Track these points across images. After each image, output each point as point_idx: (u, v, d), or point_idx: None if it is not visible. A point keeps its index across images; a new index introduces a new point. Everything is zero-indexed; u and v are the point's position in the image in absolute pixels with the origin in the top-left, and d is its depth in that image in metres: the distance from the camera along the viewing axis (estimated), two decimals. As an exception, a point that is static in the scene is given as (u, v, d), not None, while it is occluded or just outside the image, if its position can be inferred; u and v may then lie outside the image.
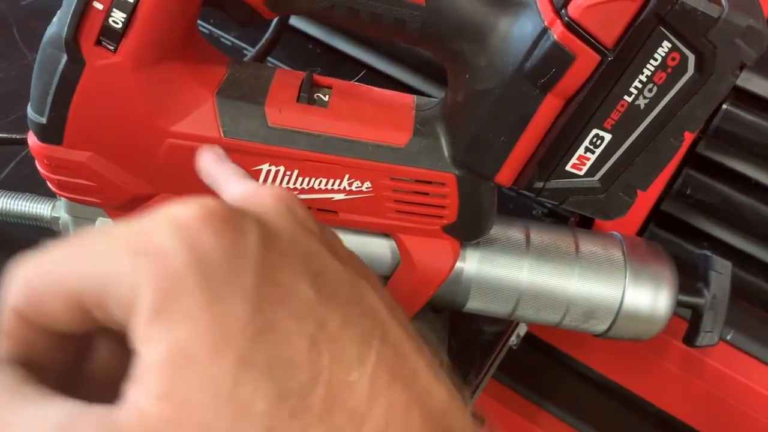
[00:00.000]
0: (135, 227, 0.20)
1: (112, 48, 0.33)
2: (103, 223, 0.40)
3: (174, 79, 0.35)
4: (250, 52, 0.57)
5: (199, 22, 0.71)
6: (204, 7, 0.36)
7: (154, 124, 0.35)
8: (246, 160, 0.37)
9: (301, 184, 0.37)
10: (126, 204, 0.39)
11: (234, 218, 0.20)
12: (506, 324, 0.50)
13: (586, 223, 0.57)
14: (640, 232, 0.56)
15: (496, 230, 0.42)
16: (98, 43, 0.33)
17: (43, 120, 0.35)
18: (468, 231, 0.40)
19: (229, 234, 0.19)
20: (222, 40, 0.69)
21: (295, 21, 0.67)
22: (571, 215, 0.57)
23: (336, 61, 0.66)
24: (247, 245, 0.19)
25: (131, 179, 0.38)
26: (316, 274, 0.20)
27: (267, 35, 0.56)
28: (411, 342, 0.21)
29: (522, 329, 0.54)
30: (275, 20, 0.56)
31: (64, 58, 0.33)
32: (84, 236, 0.20)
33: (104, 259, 0.19)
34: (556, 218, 0.57)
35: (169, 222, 0.19)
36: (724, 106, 0.49)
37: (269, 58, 0.63)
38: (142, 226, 0.19)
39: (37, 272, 0.20)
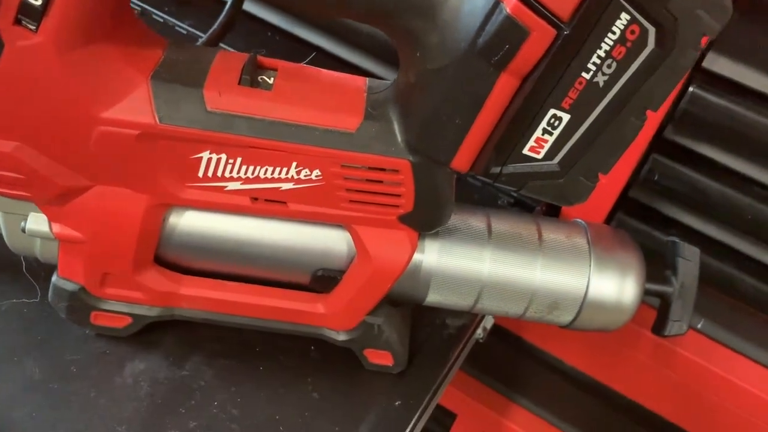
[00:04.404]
0: None
1: (32, 27, 0.30)
2: (35, 218, 0.38)
3: (104, 61, 0.33)
4: (204, 39, 0.55)
5: (153, 10, 0.68)
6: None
7: (84, 111, 0.33)
8: (184, 147, 0.34)
9: (246, 173, 0.35)
10: (59, 197, 0.36)
11: None
12: (470, 317, 0.48)
13: (552, 212, 0.56)
14: (608, 220, 0.54)
15: (456, 219, 0.41)
16: (17, 22, 0.30)
17: (-38, 107, 0.33)
18: (425, 220, 0.38)
19: None
20: (177, 28, 0.67)
21: (251, 6, 0.65)
22: (537, 204, 0.55)
23: (296, 48, 0.64)
24: None
25: (62, 170, 0.35)
26: None
27: (219, 20, 0.54)
28: None
29: (488, 322, 0.53)
30: (228, 4, 0.54)
31: (-19, 39, 0.31)
32: None
33: None
34: (522, 208, 0.56)
35: None
36: (691, 89, 0.47)
37: (225, 46, 0.61)
38: None
39: None
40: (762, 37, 0.46)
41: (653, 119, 0.47)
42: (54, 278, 0.40)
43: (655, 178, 0.52)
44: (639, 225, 0.55)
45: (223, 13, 0.54)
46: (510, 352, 0.68)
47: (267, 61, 0.36)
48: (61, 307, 0.40)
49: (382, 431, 0.41)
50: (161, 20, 0.67)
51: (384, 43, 0.58)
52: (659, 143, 0.51)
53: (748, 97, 0.46)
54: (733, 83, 0.46)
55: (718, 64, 0.46)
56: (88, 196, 0.36)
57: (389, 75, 0.61)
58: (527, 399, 0.71)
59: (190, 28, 0.66)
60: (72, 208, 0.37)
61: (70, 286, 0.40)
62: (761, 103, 0.46)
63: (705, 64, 0.46)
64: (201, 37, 0.61)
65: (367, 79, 0.37)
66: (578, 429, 0.69)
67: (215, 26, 0.54)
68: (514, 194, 0.56)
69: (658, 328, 0.44)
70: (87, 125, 0.33)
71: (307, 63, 0.62)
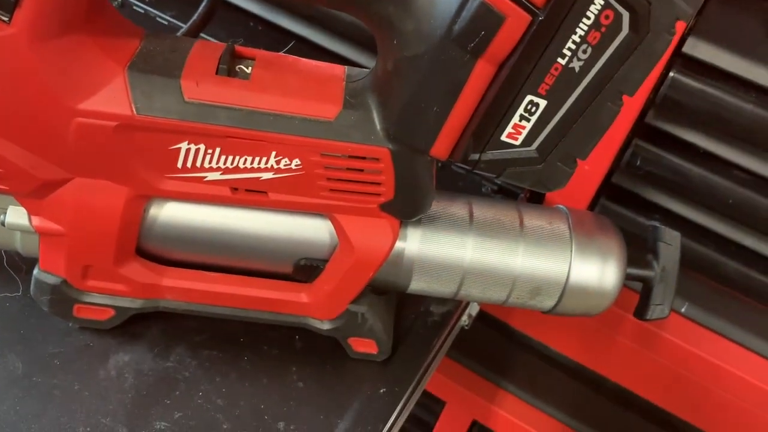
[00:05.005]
0: None
1: (5, 19, 0.30)
2: (14, 211, 0.38)
3: (80, 52, 0.33)
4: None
5: (133, 1, 0.68)
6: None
7: (60, 103, 0.33)
8: (162, 138, 0.34)
9: (225, 163, 0.35)
10: (38, 190, 0.36)
11: None
12: (455, 304, 0.48)
13: (536, 199, 0.56)
14: (591, 206, 0.55)
15: (438, 207, 0.41)
16: (-11, 13, 0.30)
17: (-63, 101, 0.32)
18: (407, 208, 0.38)
19: None
20: (158, 19, 0.66)
21: (233, -4, 0.64)
22: (521, 191, 0.55)
23: (278, 38, 0.63)
24: None
25: (41, 163, 0.35)
26: None
27: (199, 10, 0.53)
28: None
29: (474, 309, 0.53)
30: (208, -6, 0.53)
31: (-48, 31, 0.30)
32: None
33: None
34: (506, 195, 0.56)
35: None
36: (672, 74, 0.47)
37: (206, 36, 0.61)
38: None
39: None
40: (742, 22, 0.47)
41: (633, 104, 0.47)
42: (35, 272, 0.40)
43: (638, 163, 0.52)
44: (622, 210, 0.55)
45: (204, 3, 0.54)
46: (497, 338, 0.68)
47: (245, 50, 0.36)
48: (43, 301, 0.40)
49: (367, 419, 0.41)
50: (142, 11, 0.66)
51: (366, 31, 0.58)
52: (641, 128, 0.51)
53: (728, 81, 0.47)
54: (714, 68, 0.46)
55: (699, 49, 0.46)
56: (68, 189, 0.36)
57: (372, 63, 0.61)
58: (515, 385, 0.71)
59: (171, 19, 0.65)
60: (51, 201, 0.36)
61: (51, 280, 0.39)
62: (741, 88, 0.46)
63: (685, 49, 0.46)
64: (182, 28, 0.61)
65: (346, 67, 0.37)
66: (566, 414, 0.70)
67: (195, 17, 0.53)
68: (498, 181, 0.56)
69: (640, 312, 0.44)
70: (64, 117, 0.33)
71: (286, 52, 0.61)
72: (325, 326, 0.42)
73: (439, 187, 0.40)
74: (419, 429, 0.85)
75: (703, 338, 0.54)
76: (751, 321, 0.53)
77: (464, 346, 0.66)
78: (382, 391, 0.43)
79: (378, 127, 0.35)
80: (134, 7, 0.67)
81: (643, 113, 0.50)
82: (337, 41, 0.62)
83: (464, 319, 0.52)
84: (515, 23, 0.29)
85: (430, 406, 0.81)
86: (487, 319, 0.64)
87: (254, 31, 0.65)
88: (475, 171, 0.34)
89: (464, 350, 0.70)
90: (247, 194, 0.37)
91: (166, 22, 0.65)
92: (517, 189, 0.56)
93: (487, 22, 0.29)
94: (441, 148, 0.34)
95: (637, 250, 0.43)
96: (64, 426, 0.38)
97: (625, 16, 0.28)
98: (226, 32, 0.63)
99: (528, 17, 0.29)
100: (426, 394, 0.77)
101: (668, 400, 0.60)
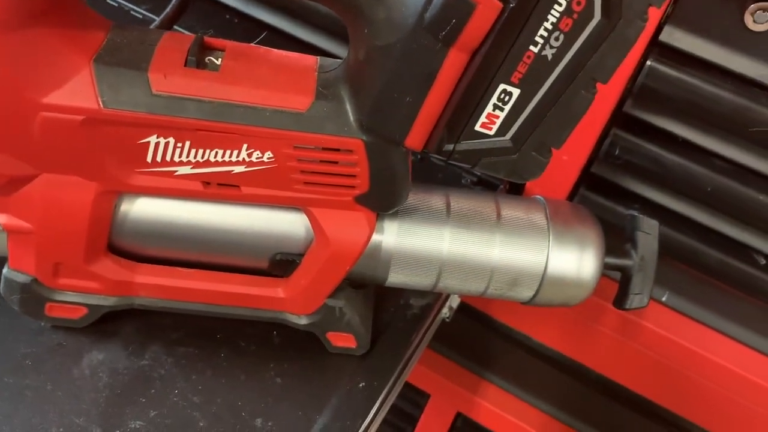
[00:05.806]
0: None
1: (-37, 11, 0.29)
2: (-19, 209, 0.37)
3: (43, 45, 0.32)
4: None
5: (108, -7, 0.66)
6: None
7: (24, 97, 0.32)
8: (130, 132, 0.33)
9: (195, 156, 0.35)
10: (4, 187, 0.35)
11: None
12: (435, 297, 0.48)
13: (516, 190, 0.56)
14: (571, 196, 0.54)
15: (415, 199, 0.40)
16: (-54, 6, 0.29)
17: None
18: (382, 201, 0.38)
19: None
20: (132, 12, 0.65)
21: (208, -12, 0.63)
22: (501, 182, 0.55)
23: (253, 29, 0.63)
24: None
25: (6, 159, 0.34)
26: None
27: (173, 2, 0.52)
28: None
29: (454, 301, 0.53)
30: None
31: None
32: None
33: None
34: (486, 186, 0.56)
35: None
36: (649, 63, 0.47)
37: (180, 29, 0.60)
38: None
39: None
40: (719, 10, 0.46)
41: (611, 93, 0.47)
42: (5, 270, 0.39)
43: (617, 152, 0.52)
44: (602, 200, 0.55)
45: (177, -6, 0.53)
46: (480, 330, 0.68)
47: (214, 41, 0.36)
48: (13, 300, 0.39)
49: (346, 413, 0.41)
50: (116, 5, 0.65)
51: (339, 21, 0.57)
52: (619, 118, 0.51)
53: (706, 70, 0.46)
54: (691, 56, 0.46)
55: (675, 37, 0.46)
56: (35, 185, 0.35)
57: (345, 53, 0.60)
58: (498, 376, 0.71)
59: (146, 12, 0.64)
60: (19, 198, 0.36)
61: (21, 278, 0.39)
62: (719, 76, 0.46)
63: (662, 37, 0.46)
64: (155, 21, 0.60)
65: (318, 57, 0.37)
66: (549, 404, 0.70)
67: (168, 9, 0.53)
68: (477, 172, 0.56)
69: (620, 301, 0.44)
70: (28, 112, 0.32)
71: (258, 43, 0.61)
72: (303, 321, 0.41)
73: (418, 179, 0.39)
74: (404, 422, 0.85)
75: (684, 327, 0.54)
76: (732, 309, 0.54)
77: (447, 338, 0.65)
78: (361, 385, 0.42)
79: (351, 118, 0.34)
80: (108, 1, 0.66)
81: (620, 102, 0.49)
82: (310, 31, 0.61)
83: (445, 312, 0.52)
84: (486, 11, 0.29)
85: (415, 398, 0.81)
86: (469, 311, 0.64)
87: (230, 23, 0.65)
88: (449, 161, 0.33)
89: (447, 342, 0.70)
90: (219, 188, 0.36)
91: (140, 16, 0.64)
92: (496, 180, 0.56)
93: (458, 10, 0.29)
94: (415, 138, 0.33)
95: (616, 240, 0.43)
96: (37, 427, 0.37)
97: (597, 2, 0.28)
98: (200, 24, 0.62)
99: (499, 5, 0.28)
100: (410, 387, 0.77)
101: (650, 388, 0.61)
